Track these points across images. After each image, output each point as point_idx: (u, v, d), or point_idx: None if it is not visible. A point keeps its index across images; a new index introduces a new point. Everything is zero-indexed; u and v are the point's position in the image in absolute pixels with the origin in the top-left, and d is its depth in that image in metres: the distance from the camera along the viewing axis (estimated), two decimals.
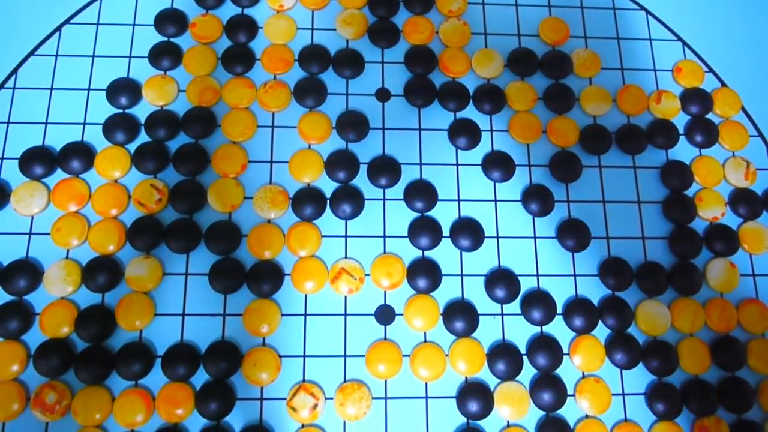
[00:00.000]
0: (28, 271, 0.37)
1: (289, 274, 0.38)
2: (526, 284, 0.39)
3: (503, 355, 0.38)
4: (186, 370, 0.36)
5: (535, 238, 0.40)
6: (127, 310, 0.37)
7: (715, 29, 0.46)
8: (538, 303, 0.39)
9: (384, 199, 0.40)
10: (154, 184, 0.39)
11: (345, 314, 0.38)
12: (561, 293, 0.39)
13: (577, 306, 0.39)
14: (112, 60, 0.42)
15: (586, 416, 0.37)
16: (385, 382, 0.37)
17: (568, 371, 0.38)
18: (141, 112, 0.41)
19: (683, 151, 0.43)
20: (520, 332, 0.38)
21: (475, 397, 0.37)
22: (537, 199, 0.40)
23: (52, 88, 0.41)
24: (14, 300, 0.37)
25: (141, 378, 0.36)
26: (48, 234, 0.38)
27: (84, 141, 0.40)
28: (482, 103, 0.42)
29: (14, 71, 0.41)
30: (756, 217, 0.41)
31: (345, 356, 0.37)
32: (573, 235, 0.40)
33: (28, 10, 0.43)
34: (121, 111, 0.41)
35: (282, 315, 0.38)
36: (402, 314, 0.38)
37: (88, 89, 0.41)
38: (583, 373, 0.38)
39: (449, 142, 0.42)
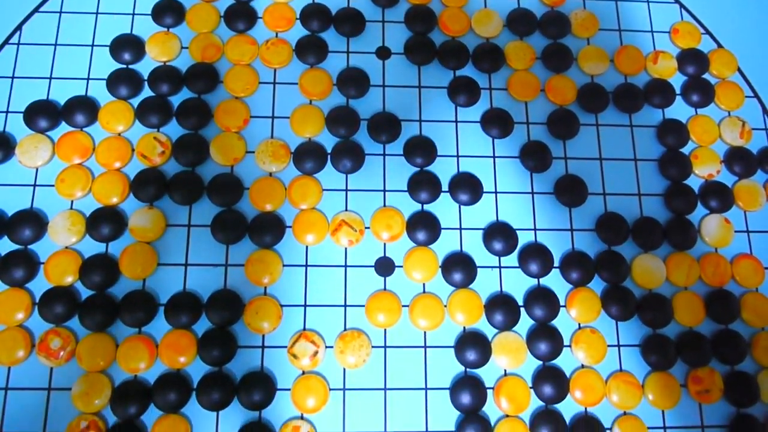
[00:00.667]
0: (33, 221, 0.38)
1: (290, 227, 0.39)
2: (524, 238, 0.40)
3: (501, 306, 0.38)
4: (188, 318, 0.37)
5: (532, 193, 0.41)
6: (131, 259, 0.37)
7: None
8: (536, 256, 0.39)
9: (384, 155, 0.41)
10: (157, 137, 0.40)
11: (345, 266, 0.39)
12: (558, 247, 0.40)
13: (574, 259, 0.39)
14: (115, 17, 0.42)
15: (582, 366, 0.38)
16: (385, 331, 0.38)
17: (564, 323, 0.38)
18: (144, 68, 0.42)
19: (679, 110, 0.43)
20: (518, 284, 0.39)
21: (473, 346, 0.37)
22: (535, 156, 0.41)
23: (56, 44, 0.42)
24: (19, 249, 0.38)
25: (144, 325, 0.37)
26: (52, 186, 0.39)
27: (88, 95, 0.40)
28: (481, 61, 0.43)
29: (19, 27, 0.42)
30: (751, 175, 0.42)
31: (345, 306, 0.38)
32: (570, 190, 0.40)
33: None
34: (124, 66, 0.41)
35: (283, 266, 0.38)
36: (401, 266, 0.39)
37: (92, 45, 0.42)
38: (579, 324, 0.39)
39: (449, 100, 0.42)
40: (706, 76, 0.44)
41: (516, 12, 0.44)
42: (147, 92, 0.41)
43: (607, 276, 0.39)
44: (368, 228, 0.39)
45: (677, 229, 0.40)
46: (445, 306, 0.38)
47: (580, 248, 0.40)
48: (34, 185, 0.39)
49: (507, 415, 0.37)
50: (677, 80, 0.44)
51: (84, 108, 0.40)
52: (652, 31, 0.45)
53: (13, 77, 0.41)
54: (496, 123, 0.41)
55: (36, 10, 0.42)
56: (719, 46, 0.45)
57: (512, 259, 0.39)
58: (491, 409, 0.37)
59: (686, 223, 0.41)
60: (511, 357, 0.38)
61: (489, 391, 0.37)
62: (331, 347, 0.37)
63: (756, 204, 0.41)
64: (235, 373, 0.36)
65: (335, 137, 0.41)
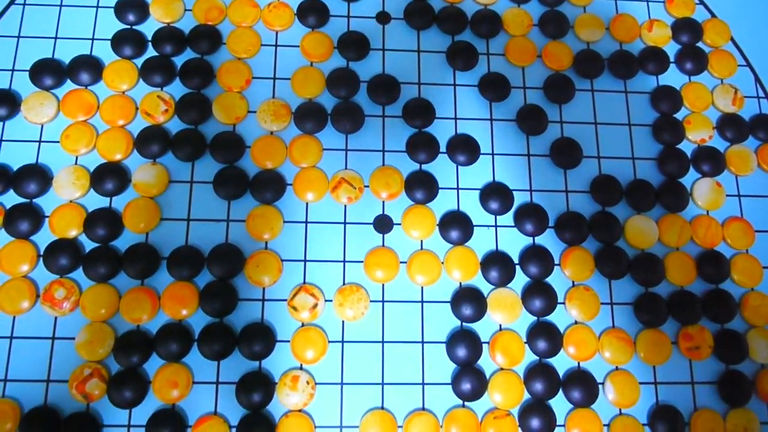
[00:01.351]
0: (39, 175, 0.38)
1: (290, 184, 0.40)
2: (520, 199, 0.41)
3: (496, 263, 0.39)
4: (190, 271, 0.37)
5: (528, 155, 0.42)
6: (134, 213, 0.38)
7: None
8: (531, 215, 0.40)
9: (383, 116, 0.42)
10: (160, 95, 0.40)
11: (344, 222, 0.39)
12: (553, 208, 0.41)
13: (568, 219, 0.40)
14: None
15: (576, 322, 0.39)
16: (383, 286, 0.38)
17: (558, 280, 0.39)
18: (148, 29, 0.42)
19: (673, 77, 0.44)
20: (513, 243, 0.40)
21: (468, 301, 0.38)
22: (531, 119, 0.42)
23: (61, 5, 0.42)
24: (24, 202, 0.38)
25: (147, 278, 0.37)
26: (57, 142, 0.39)
27: (92, 55, 0.41)
28: (479, 27, 0.43)
29: None
30: (742, 140, 0.43)
31: (344, 262, 0.39)
32: (565, 153, 0.41)
33: None
34: (128, 27, 0.42)
35: (284, 222, 0.39)
36: (399, 224, 0.39)
37: (97, 6, 0.42)
38: (572, 282, 0.39)
39: (447, 64, 0.43)
40: (699, 44, 0.45)
41: None
42: (151, 52, 0.42)
43: (601, 236, 0.40)
44: (367, 186, 0.40)
45: (670, 191, 0.41)
46: (442, 262, 0.39)
47: (575, 209, 0.41)
48: (40, 141, 0.40)
49: (502, 369, 0.38)
50: (671, 48, 0.45)
51: (89, 67, 0.40)
52: (648, 0, 0.46)
53: (18, 36, 0.41)
54: (494, 87, 0.42)
55: None
56: (713, 15, 0.46)
57: (508, 218, 0.40)
58: (486, 363, 0.38)
59: (679, 186, 0.41)
60: (506, 312, 0.38)
61: (484, 346, 0.38)
62: (330, 301, 0.38)
63: (747, 169, 0.42)
64: (236, 325, 0.37)
65: (335, 98, 0.41)
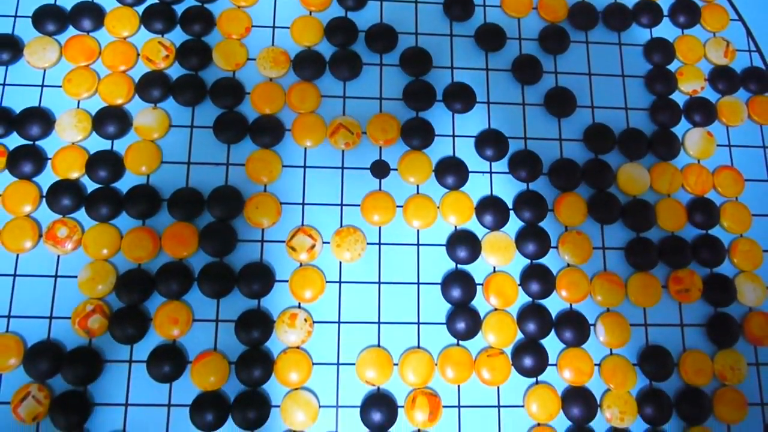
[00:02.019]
0: (41, 118, 0.39)
1: (289, 130, 0.40)
2: (514, 146, 0.41)
3: (491, 207, 0.40)
4: (191, 212, 0.38)
5: (523, 104, 0.42)
6: (135, 156, 0.39)
7: None
8: (525, 162, 0.41)
9: (381, 65, 0.42)
10: (161, 41, 0.41)
11: (342, 167, 0.40)
12: (547, 155, 0.41)
13: (562, 166, 0.41)
14: None
15: (568, 265, 0.40)
16: (379, 229, 0.39)
17: (551, 225, 0.40)
18: None
19: (666, 30, 0.45)
20: (508, 189, 0.41)
21: (463, 244, 0.39)
22: (526, 69, 0.42)
23: None
24: (27, 144, 0.39)
25: (148, 218, 0.38)
26: (59, 86, 0.40)
27: (94, 1, 0.42)
28: None
29: None
30: (733, 92, 0.44)
31: (341, 205, 0.39)
32: (559, 102, 0.42)
33: None
34: None
35: (283, 166, 0.39)
36: (396, 169, 0.40)
37: None
38: (565, 227, 0.40)
39: (444, 15, 0.43)
40: None
41: None
42: (152, 0, 0.42)
43: (593, 182, 0.41)
44: (365, 133, 0.40)
45: (662, 140, 0.42)
46: (438, 207, 0.40)
47: (568, 157, 0.41)
48: (42, 85, 0.40)
49: (495, 309, 0.38)
50: (665, 2, 0.45)
51: (90, 13, 0.41)
52: None
53: None
54: (490, 37, 0.43)
55: None
56: None
57: (503, 165, 0.41)
58: (480, 304, 0.38)
59: (671, 135, 0.42)
60: (500, 255, 0.39)
61: (478, 287, 0.39)
62: (328, 243, 0.39)
63: (738, 119, 0.43)
64: (235, 265, 0.38)
65: (333, 47, 0.42)
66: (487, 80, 0.42)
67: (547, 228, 0.40)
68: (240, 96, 0.40)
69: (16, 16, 0.41)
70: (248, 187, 0.39)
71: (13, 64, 0.40)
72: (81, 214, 0.38)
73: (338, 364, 0.37)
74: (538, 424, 0.37)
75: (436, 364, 0.37)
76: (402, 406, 0.36)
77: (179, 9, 0.42)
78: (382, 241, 0.39)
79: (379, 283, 0.38)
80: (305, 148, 0.40)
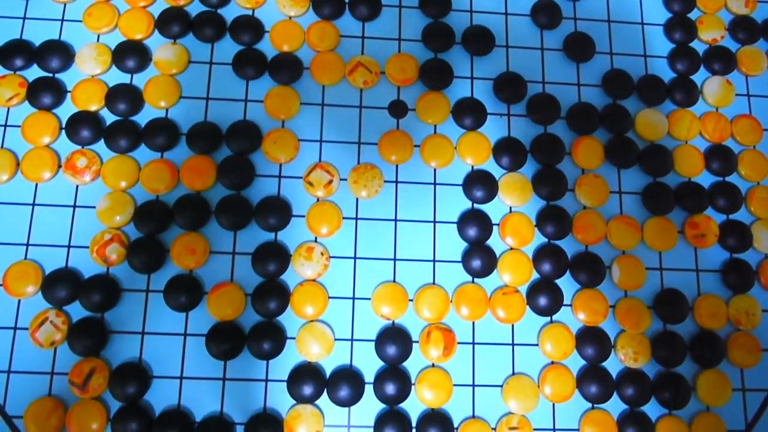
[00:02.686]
0: (61, 51, 0.39)
1: (308, 68, 0.40)
2: (532, 90, 0.41)
3: (508, 149, 0.40)
4: (209, 145, 0.38)
5: (542, 49, 0.42)
6: (155, 89, 0.39)
7: None
8: (543, 105, 0.41)
9: (400, 6, 0.42)
10: None
11: (360, 106, 0.40)
12: (565, 100, 0.41)
13: (580, 110, 0.41)
14: None
15: (585, 208, 0.39)
16: (396, 167, 0.39)
17: (568, 168, 0.40)
18: None
19: None
20: (525, 131, 0.41)
21: (480, 184, 0.39)
22: (545, 13, 0.42)
23: None
24: (47, 76, 0.39)
25: (166, 151, 0.38)
26: (80, 21, 0.40)
27: None
28: None
29: None
30: (753, 42, 0.43)
31: (359, 143, 0.39)
32: (578, 47, 0.42)
33: None
34: None
35: (301, 103, 0.40)
36: (414, 109, 0.40)
37: None
38: (582, 170, 0.40)
39: None
40: None
41: None
42: None
43: (611, 127, 0.41)
44: (383, 73, 0.40)
45: (681, 87, 0.42)
46: (455, 147, 0.40)
47: (587, 101, 0.41)
48: (62, 20, 0.40)
49: (511, 248, 0.38)
50: None
51: None
52: None
53: None
54: None
55: None
56: None
57: (521, 108, 0.41)
58: (496, 243, 0.39)
59: (690, 82, 0.42)
60: (516, 196, 0.39)
61: (495, 227, 0.39)
62: (345, 179, 0.39)
63: (758, 69, 0.43)
64: (253, 200, 0.38)
65: None
66: (506, 24, 0.42)
67: (565, 171, 0.40)
68: (260, 33, 0.40)
69: None
70: (266, 123, 0.39)
71: None
72: (100, 146, 0.38)
73: (354, 298, 0.37)
74: (552, 363, 0.37)
75: (451, 301, 0.37)
76: (417, 341, 0.36)
77: None
78: (399, 180, 0.39)
79: (395, 220, 0.38)
80: (323, 86, 0.40)
